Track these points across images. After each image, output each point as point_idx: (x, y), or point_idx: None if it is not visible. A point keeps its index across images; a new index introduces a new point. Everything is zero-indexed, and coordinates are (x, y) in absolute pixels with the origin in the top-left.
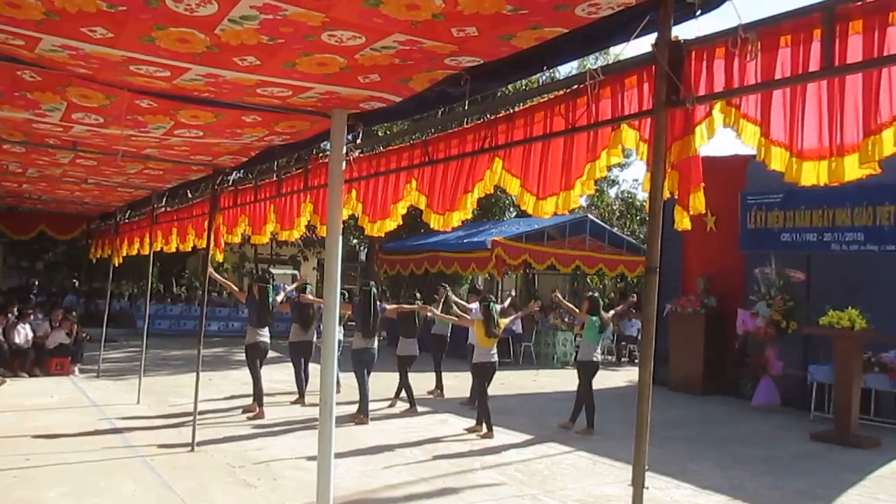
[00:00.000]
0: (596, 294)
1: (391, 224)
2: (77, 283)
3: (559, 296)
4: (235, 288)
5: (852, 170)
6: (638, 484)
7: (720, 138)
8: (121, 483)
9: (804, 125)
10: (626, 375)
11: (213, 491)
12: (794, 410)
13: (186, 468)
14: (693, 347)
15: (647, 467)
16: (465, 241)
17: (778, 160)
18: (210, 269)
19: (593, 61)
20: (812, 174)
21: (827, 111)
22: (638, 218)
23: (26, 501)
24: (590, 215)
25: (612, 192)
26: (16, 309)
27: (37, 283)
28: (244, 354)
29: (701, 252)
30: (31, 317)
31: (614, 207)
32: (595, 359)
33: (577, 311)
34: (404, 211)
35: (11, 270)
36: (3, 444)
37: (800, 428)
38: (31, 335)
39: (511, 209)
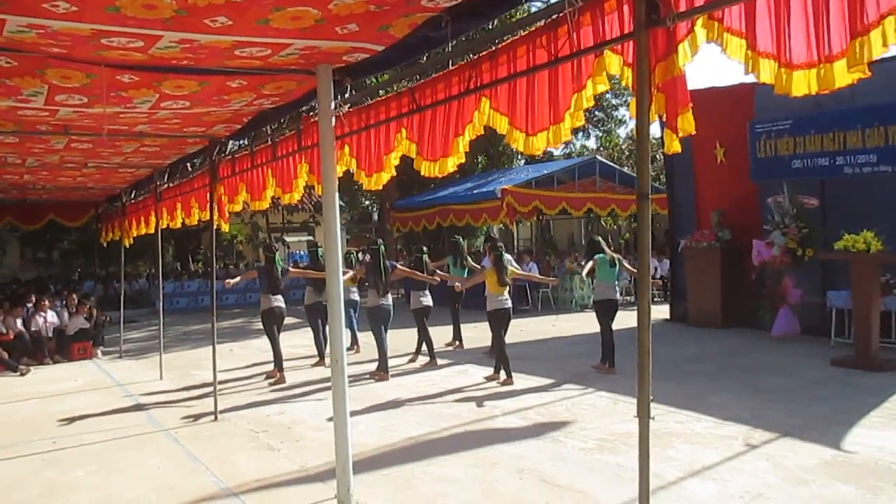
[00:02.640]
0: (595, 237)
1: (386, 176)
2: (95, 270)
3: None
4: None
5: (842, 75)
6: (644, 415)
7: (725, 68)
8: (146, 457)
9: (791, 33)
10: None
11: (237, 457)
12: (814, 338)
13: (210, 437)
14: (710, 282)
15: (651, 398)
16: (474, 192)
17: (767, 72)
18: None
19: None
20: (803, 83)
21: (813, 16)
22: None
23: (54, 482)
24: (598, 157)
25: (622, 131)
26: (34, 298)
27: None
28: (261, 322)
29: (713, 186)
30: (48, 305)
31: (623, 147)
32: (612, 297)
33: (580, 269)
34: (397, 161)
35: (28, 263)
36: (29, 430)
37: (821, 355)
38: (55, 322)
39: (519, 157)
